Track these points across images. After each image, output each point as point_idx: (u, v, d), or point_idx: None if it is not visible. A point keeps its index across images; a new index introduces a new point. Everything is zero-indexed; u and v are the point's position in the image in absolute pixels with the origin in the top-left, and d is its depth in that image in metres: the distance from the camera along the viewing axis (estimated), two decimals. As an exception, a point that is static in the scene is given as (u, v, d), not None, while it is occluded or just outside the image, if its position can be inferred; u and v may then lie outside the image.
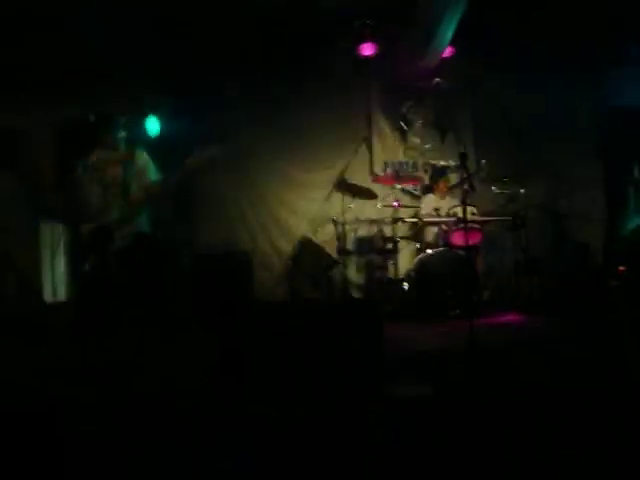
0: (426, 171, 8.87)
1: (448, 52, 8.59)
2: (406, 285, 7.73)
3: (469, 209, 5.90)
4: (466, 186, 5.90)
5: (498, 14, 8.45)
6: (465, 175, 5.25)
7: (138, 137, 7.35)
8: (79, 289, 5.42)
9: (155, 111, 7.92)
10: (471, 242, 7.32)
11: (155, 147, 7.16)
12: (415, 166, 8.92)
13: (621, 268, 8.47)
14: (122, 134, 5.29)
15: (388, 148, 9.02)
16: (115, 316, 4.65)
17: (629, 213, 6.79)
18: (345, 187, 8.25)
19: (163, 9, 7.74)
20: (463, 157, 5.28)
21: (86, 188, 5.13)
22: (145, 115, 7.79)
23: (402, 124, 8.95)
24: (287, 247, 8.59)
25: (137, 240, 5.02)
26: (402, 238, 8.19)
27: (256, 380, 3.73)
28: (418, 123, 8.94)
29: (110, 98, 7.24)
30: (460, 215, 6.78)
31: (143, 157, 5.32)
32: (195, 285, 5.99)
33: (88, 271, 4.90)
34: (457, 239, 7.60)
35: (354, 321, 3.90)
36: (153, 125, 7.83)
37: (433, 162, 8.84)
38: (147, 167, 5.28)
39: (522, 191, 8.07)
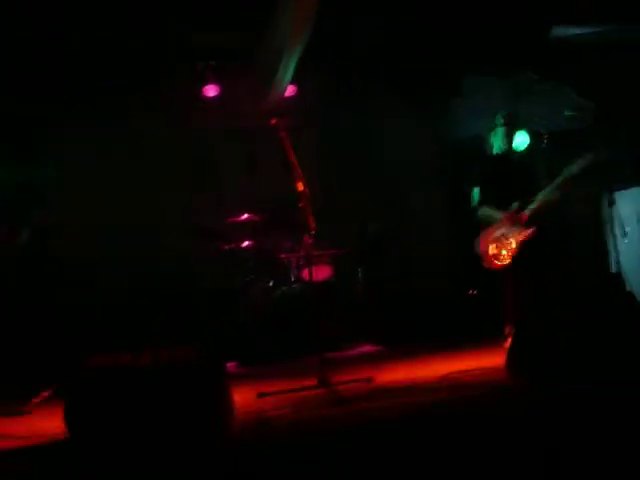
0: (272, 207, 8.76)
1: (290, 91, 8.73)
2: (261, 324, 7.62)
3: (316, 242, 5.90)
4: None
5: (337, 51, 8.72)
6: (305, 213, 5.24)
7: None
8: None
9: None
10: (321, 276, 7.39)
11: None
12: (261, 202, 8.81)
13: (472, 291, 8.78)
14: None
15: (235, 186, 8.99)
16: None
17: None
18: (193, 231, 8.11)
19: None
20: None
21: None
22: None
23: (249, 163, 8.96)
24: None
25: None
26: (253, 275, 8.02)
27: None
28: (264, 161, 8.94)
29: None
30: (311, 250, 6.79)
31: None
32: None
33: None
34: (308, 274, 7.61)
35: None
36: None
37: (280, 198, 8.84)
38: None
39: (369, 223, 8.27)
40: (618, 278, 6.80)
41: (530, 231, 5.90)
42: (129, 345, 3.91)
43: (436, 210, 9.55)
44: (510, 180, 6.18)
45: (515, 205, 5.99)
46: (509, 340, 4.87)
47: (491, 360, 5.22)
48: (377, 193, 9.12)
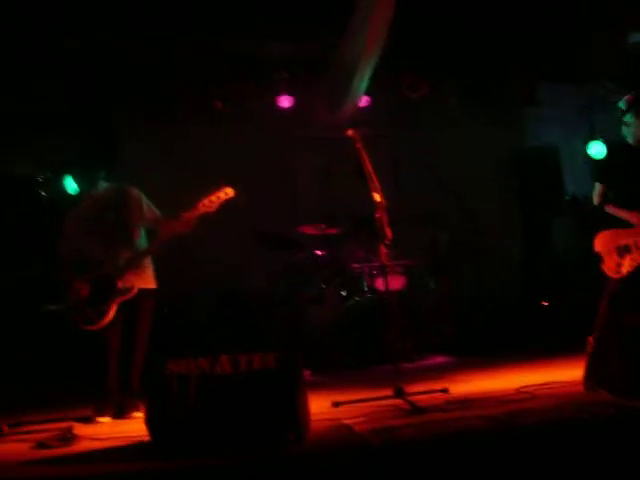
0: (347, 218, 8.74)
1: (365, 101, 8.77)
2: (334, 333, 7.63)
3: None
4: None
5: (411, 61, 8.75)
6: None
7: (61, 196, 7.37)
8: None
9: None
10: (395, 286, 7.38)
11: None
12: (336, 214, 8.80)
13: (544, 302, 8.64)
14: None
15: (310, 195, 9.05)
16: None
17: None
18: (266, 238, 8.18)
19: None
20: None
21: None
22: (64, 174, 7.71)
23: (323, 173, 9.00)
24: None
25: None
26: (327, 284, 7.96)
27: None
28: (338, 171, 8.96)
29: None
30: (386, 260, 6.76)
31: None
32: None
33: None
34: (381, 284, 7.62)
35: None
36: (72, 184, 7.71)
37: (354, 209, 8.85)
38: None
39: (443, 233, 8.24)
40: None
41: None
42: (208, 351, 4.00)
43: (509, 219, 9.47)
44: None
45: None
46: (590, 352, 4.69)
47: (568, 372, 5.13)
48: (449, 202, 9.07)
